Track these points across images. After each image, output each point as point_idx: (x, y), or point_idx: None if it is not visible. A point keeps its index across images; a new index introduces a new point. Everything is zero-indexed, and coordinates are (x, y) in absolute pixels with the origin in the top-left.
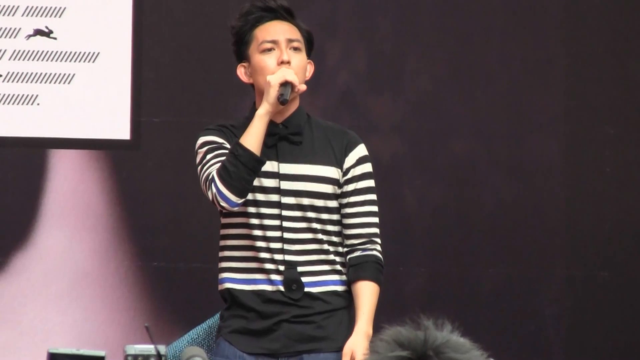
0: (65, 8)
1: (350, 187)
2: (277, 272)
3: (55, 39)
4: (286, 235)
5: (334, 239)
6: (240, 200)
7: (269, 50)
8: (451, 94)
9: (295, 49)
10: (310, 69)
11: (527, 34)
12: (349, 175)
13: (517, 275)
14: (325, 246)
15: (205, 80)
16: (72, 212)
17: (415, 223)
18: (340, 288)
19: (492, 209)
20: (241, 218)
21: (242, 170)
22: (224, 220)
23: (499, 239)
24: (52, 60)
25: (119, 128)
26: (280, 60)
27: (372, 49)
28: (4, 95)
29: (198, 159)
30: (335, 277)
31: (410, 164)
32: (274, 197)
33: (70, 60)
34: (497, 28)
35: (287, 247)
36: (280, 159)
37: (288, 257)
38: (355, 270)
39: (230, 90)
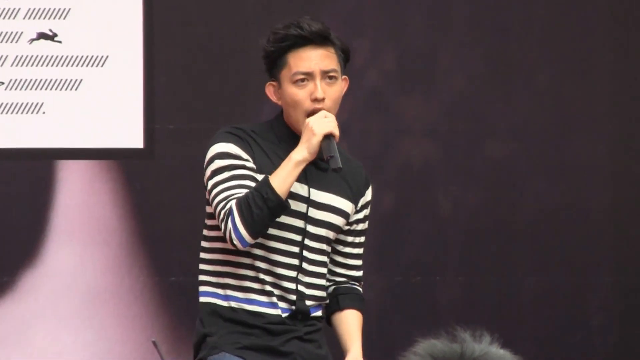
0: (70, 9)
1: (359, 227)
2: (285, 300)
3: (60, 42)
4: (305, 265)
5: (325, 270)
6: (254, 242)
7: (302, 81)
8: (488, 92)
9: (331, 78)
10: (344, 86)
11: (569, 26)
12: (361, 215)
13: (560, 283)
14: (323, 281)
15: (222, 83)
16: (82, 227)
17: (450, 230)
18: (321, 313)
19: (533, 214)
20: (259, 239)
21: (266, 215)
22: (217, 233)
23: (540, 245)
24: (57, 66)
25: (131, 136)
26: (314, 97)
27: (402, 46)
28: (7, 104)
29: (212, 170)
30: (322, 304)
31: (444, 169)
32: (299, 223)
33: (77, 65)
34: (537, 20)
35: (301, 277)
36: (310, 184)
37: (301, 288)
38: (346, 299)
39: (248, 94)
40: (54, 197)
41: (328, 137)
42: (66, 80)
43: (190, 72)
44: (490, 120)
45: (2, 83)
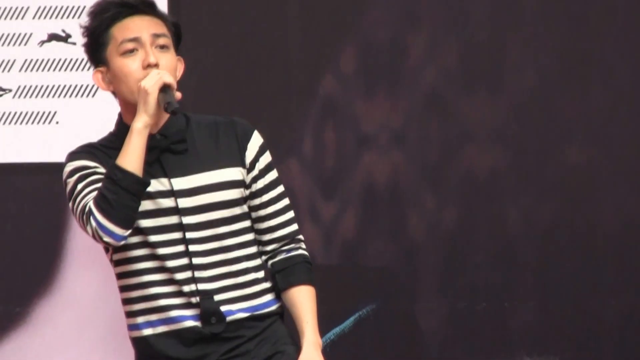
0: (84, 7)
1: (259, 184)
2: (191, 305)
3: (74, 44)
4: (195, 260)
5: (252, 250)
6: (127, 232)
7: (132, 51)
8: (562, 92)
9: (162, 46)
10: (180, 68)
11: None
12: (256, 171)
13: None
14: (243, 264)
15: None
16: (102, 248)
17: (521, 248)
18: (263, 311)
19: (615, 228)
20: (142, 250)
21: (124, 197)
22: (115, 257)
23: (623, 263)
24: (71, 70)
25: None
26: (146, 63)
27: (463, 40)
28: (16, 113)
29: (67, 191)
30: (254, 302)
31: (514, 178)
32: (174, 219)
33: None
34: (617, 9)
35: (198, 274)
36: (170, 174)
37: (202, 286)
38: (284, 276)
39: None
40: (70, 216)
41: (164, 90)
42: (82, 86)
43: (216, 74)
44: (566, 123)
45: (10, 90)
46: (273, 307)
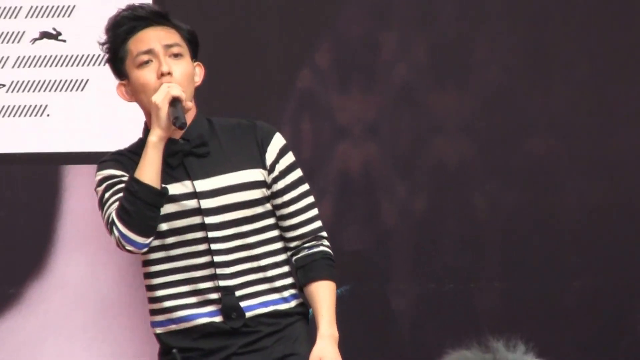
0: (74, 6)
1: (280, 185)
2: (212, 301)
3: (64, 41)
4: (217, 258)
5: (276, 245)
6: (148, 241)
7: (147, 63)
8: (525, 86)
9: (176, 55)
10: (200, 73)
11: (613, 13)
12: (276, 172)
13: (606, 287)
14: (266, 260)
15: (232, 85)
16: (92, 235)
17: (487, 233)
18: (283, 307)
19: (575, 214)
20: (161, 252)
21: (142, 208)
22: (143, 258)
23: (584, 247)
24: (62, 66)
25: None
26: (159, 72)
27: (433, 37)
28: (10, 107)
29: (97, 200)
30: (276, 296)
31: (480, 168)
32: (197, 219)
33: (83, 65)
34: (578, 7)
35: (220, 271)
36: (193, 177)
37: (223, 283)
38: (305, 272)
39: (258, 96)
40: (61, 203)
41: (173, 103)
42: (71, 81)
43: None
44: (529, 115)
45: (4, 85)
46: (293, 304)
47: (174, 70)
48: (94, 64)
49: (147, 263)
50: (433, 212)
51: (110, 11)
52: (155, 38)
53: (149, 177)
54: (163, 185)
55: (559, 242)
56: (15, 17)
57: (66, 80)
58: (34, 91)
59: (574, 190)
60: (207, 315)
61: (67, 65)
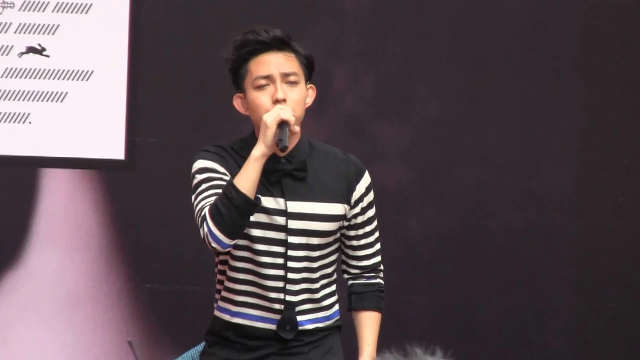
0: (58, 25)
1: (359, 220)
2: (274, 311)
3: (48, 56)
4: (290, 275)
5: (330, 269)
6: (232, 242)
7: (264, 86)
8: (461, 120)
9: (292, 82)
10: (312, 94)
11: (540, 61)
12: (358, 209)
13: (523, 306)
14: (321, 282)
15: (203, 101)
16: (63, 232)
17: (419, 252)
18: (325, 323)
19: (500, 239)
20: (246, 252)
21: (234, 214)
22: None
23: (505, 269)
24: (44, 78)
25: (113, 148)
26: (274, 98)
27: (379, 72)
28: None
29: (193, 185)
30: (321, 314)
31: (416, 192)
32: (281, 235)
33: (64, 79)
34: (510, 54)
35: (289, 287)
36: (287, 196)
37: (289, 298)
38: (358, 298)
39: (228, 112)
40: (36, 203)
41: (281, 126)
42: (52, 92)
43: (172, 89)
44: (463, 146)
45: None
46: (335, 319)
47: (288, 97)
48: (74, 79)
49: (233, 258)
50: None
51: (90, 31)
52: (275, 64)
53: (246, 187)
54: (257, 196)
55: (483, 263)
56: (5, 32)
57: (48, 92)
58: (18, 100)
59: (500, 217)
60: (265, 321)
61: (49, 78)
